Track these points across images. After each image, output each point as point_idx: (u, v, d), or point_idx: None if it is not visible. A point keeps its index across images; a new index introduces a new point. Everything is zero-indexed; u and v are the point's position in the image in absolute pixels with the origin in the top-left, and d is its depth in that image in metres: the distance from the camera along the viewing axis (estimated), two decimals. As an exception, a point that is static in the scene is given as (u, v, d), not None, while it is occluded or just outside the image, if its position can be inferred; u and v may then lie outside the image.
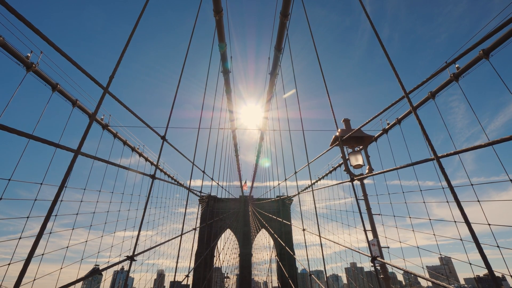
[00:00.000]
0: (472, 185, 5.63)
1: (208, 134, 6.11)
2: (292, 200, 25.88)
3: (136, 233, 12.56)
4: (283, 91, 6.72)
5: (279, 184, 6.65)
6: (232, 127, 13.55)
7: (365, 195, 3.20)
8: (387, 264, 1.55)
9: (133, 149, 10.63)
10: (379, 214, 5.03)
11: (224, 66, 6.25)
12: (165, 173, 15.13)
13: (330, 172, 13.14)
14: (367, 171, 4.63)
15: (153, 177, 2.19)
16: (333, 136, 3.25)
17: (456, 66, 6.69)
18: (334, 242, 2.51)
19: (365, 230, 1.79)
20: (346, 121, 3.32)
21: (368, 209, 2.68)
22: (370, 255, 1.66)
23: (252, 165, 24.49)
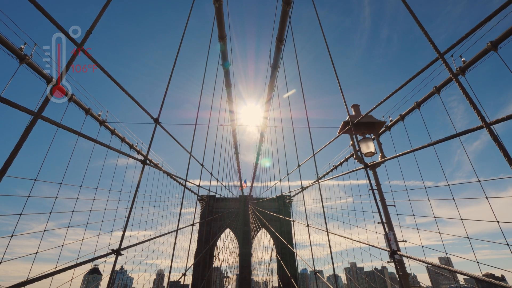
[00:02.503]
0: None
1: (207, 129, 5.93)
2: (292, 199, 25.67)
3: (134, 232, 12.31)
4: (286, 86, 6.54)
5: (280, 180, 6.47)
6: (232, 126, 13.40)
7: (378, 184, 2.99)
8: (413, 258, 1.37)
9: (131, 147, 10.44)
10: (393, 206, 4.84)
11: (224, 59, 6.06)
12: (164, 171, 14.92)
13: (342, 163, 12.92)
14: (379, 159, 4.42)
15: (144, 162, 2.01)
16: (342, 122, 3.05)
17: (462, 60, 6.51)
18: (347, 238, 2.33)
19: (382, 222, 1.62)
20: (356, 107, 3.12)
21: (382, 199, 2.48)
22: (389, 249, 1.49)
23: (252, 165, 24.31)
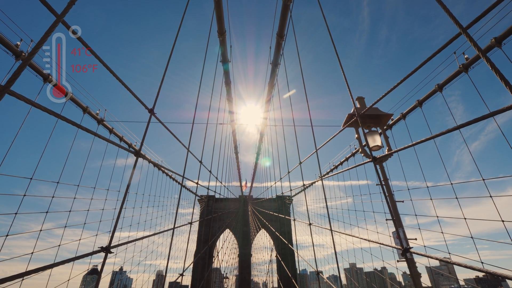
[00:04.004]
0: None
1: (206, 126, 5.82)
2: (292, 199, 25.55)
3: (133, 233, 12.19)
4: (287, 83, 6.45)
5: (281, 179, 6.37)
6: (232, 126, 13.33)
7: (386, 179, 2.86)
8: (428, 257, 1.28)
9: (129, 145, 10.33)
10: (402, 201, 4.72)
11: (223, 55, 5.96)
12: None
13: (343, 163, 12.84)
14: (386, 153, 4.30)
15: (137, 154, 1.90)
16: (347, 115, 2.94)
17: (465, 57, 6.42)
18: (354, 237, 2.23)
19: (393, 219, 1.52)
20: (360, 99, 2.98)
21: (390, 195, 2.36)
22: (401, 247, 1.40)
23: (251, 166, 24.22)
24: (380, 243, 1.72)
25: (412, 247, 1.36)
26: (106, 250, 1.43)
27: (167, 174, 14.98)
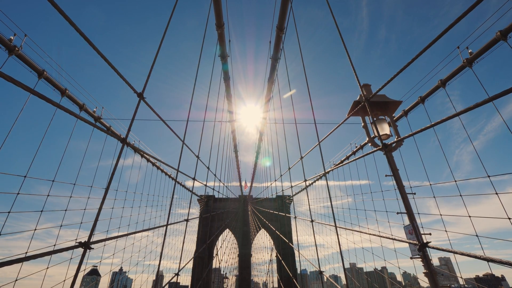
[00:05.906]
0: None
1: (204, 123, 5.69)
2: (292, 199, 25.42)
3: (131, 233, 12.09)
4: (287, 78, 6.31)
5: (281, 176, 6.24)
6: (232, 126, 13.20)
7: (396, 170, 2.70)
8: (452, 252, 1.15)
9: (127, 144, 10.18)
10: (414, 194, 4.60)
11: (222, 50, 5.82)
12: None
13: (343, 161, 12.73)
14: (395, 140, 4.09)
15: (124, 141, 1.78)
16: (353, 102, 2.78)
17: (469, 51, 6.29)
18: (366, 233, 2.10)
19: (408, 212, 1.40)
20: (366, 87, 2.81)
21: (402, 187, 2.22)
22: (417, 242, 1.27)
23: (251, 166, 24.11)
24: (394, 239, 1.60)
25: (431, 242, 1.24)
26: (85, 246, 1.30)
27: (154, 165, 14.61)
